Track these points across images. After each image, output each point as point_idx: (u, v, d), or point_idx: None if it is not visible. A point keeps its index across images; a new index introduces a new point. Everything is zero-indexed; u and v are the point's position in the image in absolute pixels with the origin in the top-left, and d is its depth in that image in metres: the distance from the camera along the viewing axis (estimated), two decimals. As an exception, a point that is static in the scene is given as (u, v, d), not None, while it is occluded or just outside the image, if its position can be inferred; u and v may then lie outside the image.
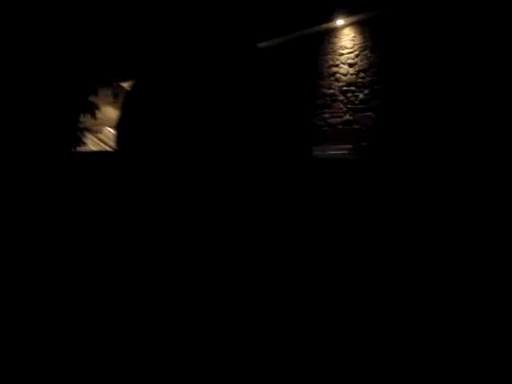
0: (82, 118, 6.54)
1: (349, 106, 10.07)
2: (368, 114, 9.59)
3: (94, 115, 6.92)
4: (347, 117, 10.08)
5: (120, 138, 1.15)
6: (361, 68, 9.78)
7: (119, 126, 1.27)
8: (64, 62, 6.04)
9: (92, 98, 7.10)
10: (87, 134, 7.21)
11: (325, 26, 10.34)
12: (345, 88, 10.16)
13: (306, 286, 0.94)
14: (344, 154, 9.77)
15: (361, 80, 9.78)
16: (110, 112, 13.98)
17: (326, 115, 10.56)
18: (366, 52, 9.70)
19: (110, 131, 14.76)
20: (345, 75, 10.16)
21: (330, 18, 9.91)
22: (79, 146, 6.07)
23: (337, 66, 10.34)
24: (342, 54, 10.21)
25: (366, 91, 9.67)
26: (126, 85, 14.57)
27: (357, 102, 9.88)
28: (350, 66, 10.03)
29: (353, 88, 9.99)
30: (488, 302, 1.01)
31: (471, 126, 7.51)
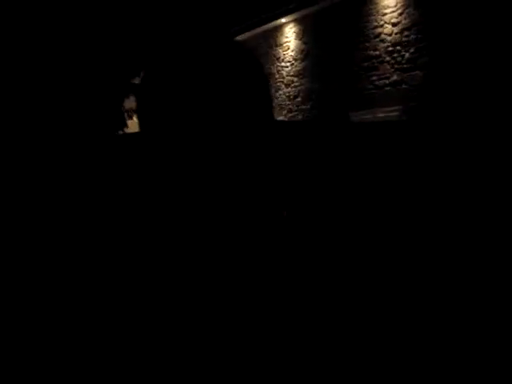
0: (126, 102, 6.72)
1: (396, 66, 9.80)
2: (415, 72, 9.31)
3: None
4: (394, 77, 9.82)
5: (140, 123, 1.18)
6: (405, 26, 9.46)
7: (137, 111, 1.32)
8: (107, 46, 6.22)
9: (136, 81, 7.28)
10: (134, 116, 7.40)
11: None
12: (390, 48, 9.88)
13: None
14: (394, 115, 9.55)
15: (406, 39, 9.48)
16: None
17: (374, 78, 10.33)
18: (409, 9, 9.36)
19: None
20: (389, 35, 9.86)
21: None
22: (124, 127, 6.25)
23: (381, 26, 10.04)
24: (386, 14, 9.89)
25: (411, 50, 9.37)
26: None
27: (403, 62, 9.60)
28: (394, 25, 9.71)
29: (398, 48, 9.69)
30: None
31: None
